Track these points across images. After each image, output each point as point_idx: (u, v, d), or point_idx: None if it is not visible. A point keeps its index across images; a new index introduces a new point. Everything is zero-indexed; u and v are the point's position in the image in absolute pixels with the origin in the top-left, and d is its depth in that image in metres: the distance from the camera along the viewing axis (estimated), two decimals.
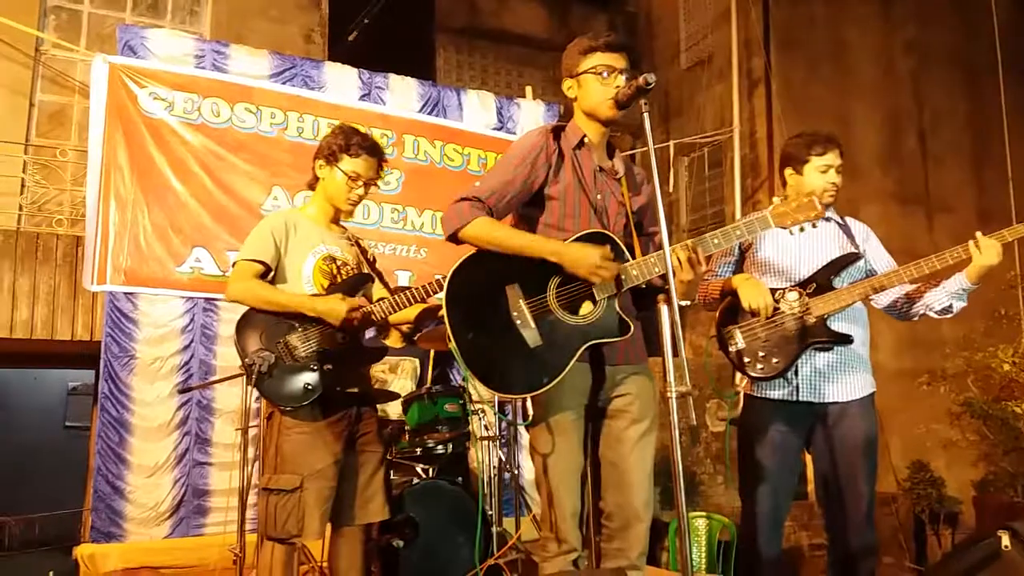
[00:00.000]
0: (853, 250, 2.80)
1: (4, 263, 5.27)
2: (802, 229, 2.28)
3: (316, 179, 2.88)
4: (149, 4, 6.84)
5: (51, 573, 5.37)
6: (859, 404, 2.74)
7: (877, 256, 2.89)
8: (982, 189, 7.62)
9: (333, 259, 2.84)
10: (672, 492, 2.25)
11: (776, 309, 2.71)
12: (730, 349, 2.78)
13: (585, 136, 2.39)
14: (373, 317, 2.71)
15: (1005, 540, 2.08)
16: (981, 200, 7.57)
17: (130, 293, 4.82)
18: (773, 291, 2.74)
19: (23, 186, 5.91)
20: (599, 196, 2.37)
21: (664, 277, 2.27)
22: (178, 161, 4.96)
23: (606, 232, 2.29)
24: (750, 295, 2.69)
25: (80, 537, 5.59)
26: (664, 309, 1.99)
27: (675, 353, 1.99)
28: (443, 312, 2.27)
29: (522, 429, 4.97)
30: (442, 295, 2.71)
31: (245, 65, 5.26)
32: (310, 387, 2.61)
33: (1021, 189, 7.23)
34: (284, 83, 5.34)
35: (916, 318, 2.88)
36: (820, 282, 2.73)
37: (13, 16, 5.87)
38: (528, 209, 2.38)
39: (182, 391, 4.78)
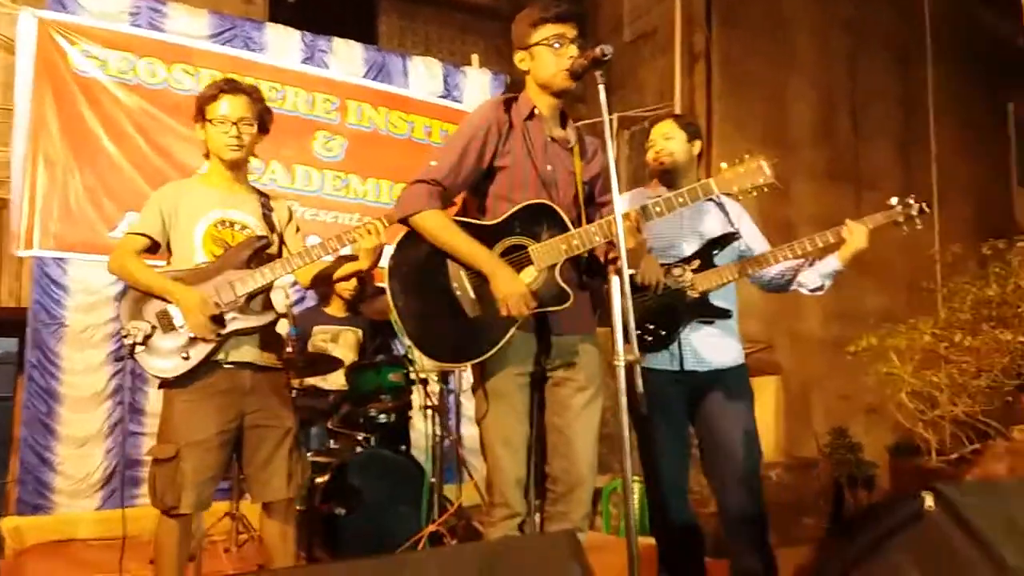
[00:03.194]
0: (731, 229, 2.93)
1: None
2: (752, 193, 2.35)
3: (206, 147, 2.79)
4: None
5: None
6: (735, 371, 2.88)
7: (752, 235, 3.02)
8: (907, 168, 7.90)
9: (230, 223, 2.73)
10: (605, 457, 2.32)
11: (664, 284, 2.81)
12: None
13: (535, 107, 2.41)
14: (256, 283, 2.64)
15: (928, 501, 2.18)
16: (906, 178, 7.84)
17: (60, 259, 4.67)
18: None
19: None
20: (549, 167, 2.40)
21: (609, 246, 2.33)
22: (112, 122, 4.80)
23: (547, 203, 2.33)
24: (646, 269, 2.74)
25: (3, 510, 5.45)
26: (615, 279, 2.04)
27: (624, 322, 2.04)
28: (385, 282, 2.30)
29: (465, 399, 5.02)
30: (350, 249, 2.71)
31: (183, 24, 5.10)
32: (186, 356, 2.55)
33: (943, 169, 7.54)
34: (224, 44, 5.20)
35: (788, 292, 3.06)
36: (704, 259, 2.85)
37: None
38: (479, 180, 2.40)
39: (119, 359, 4.68)
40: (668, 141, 2.95)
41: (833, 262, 2.87)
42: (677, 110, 7.16)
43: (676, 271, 2.83)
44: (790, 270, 2.98)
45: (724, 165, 2.37)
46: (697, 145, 3.00)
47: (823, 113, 7.70)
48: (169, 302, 2.58)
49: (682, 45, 7.32)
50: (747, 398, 2.88)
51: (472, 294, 2.26)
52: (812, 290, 2.96)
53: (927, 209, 2.85)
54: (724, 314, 2.84)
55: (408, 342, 2.30)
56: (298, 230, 2.94)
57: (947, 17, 7.96)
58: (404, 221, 2.33)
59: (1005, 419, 4.97)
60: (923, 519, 2.28)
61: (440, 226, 2.28)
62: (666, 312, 2.81)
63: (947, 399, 4.92)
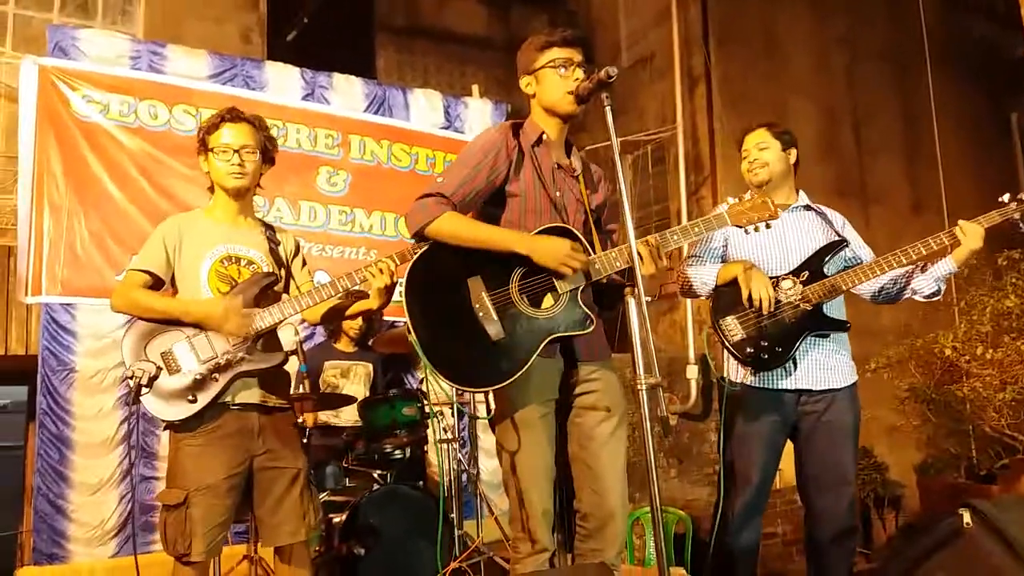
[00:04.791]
0: (836, 238, 2.84)
1: None
2: (756, 229, 2.30)
3: (210, 180, 2.74)
4: (78, 4, 6.58)
5: None
6: (848, 391, 2.80)
7: (857, 244, 2.94)
8: (914, 181, 7.86)
9: (236, 259, 2.66)
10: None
11: (776, 300, 2.71)
12: (731, 339, 2.75)
13: (544, 133, 2.39)
14: (263, 323, 2.56)
15: (967, 518, 2.14)
16: (913, 192, 7.81)
17: (68, 304, 4.63)
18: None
19: None
20: (558, 193, 2.38)
21: (625, 272, 2.29)
22: (115, 166, 4.78)
23: (568, 227, 2.30)
24: (754, 285, 2.66)
25: (18, 561, 5.36)
26: (631, 302, 2.00)
27: (643, 345, 2.00)
28: (403, 305, 2.24)
29: (482, 432, 4.94)
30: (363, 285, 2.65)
31: (183, 66, 5.10)
32: (192, 399, 2.47)
33: (950, 180, 7.49)
34: (224, 83, 5.19)
35: (898, 301, 2.96)
36: (813, 270, 2.74)
37: None
38: (489, 207, 2.38)
39: (129, 403, 4.63)
40: (763, 151, 2.87)
41: (948, 265, 2.77)
42: (680, 133, 7.16)
43: (785, 284, 2.73)
44: (902, 277, 2.88)
45: (731, 200, 2.34)
46: (793, 154, 2.90)
47: (826, 129, 7.68)
48: (183, 336, 2.52)
49: (681, 67, 7.33)
50: (855, 418, 2.80)
51: (495, 316, 2.20)
52: (927, 296, 2.86)
53: None
54: (841, 326, 2.73)
55: (428, 366, 2.22)
56: (304, 264, 2.88)
57: (944, 29, 7.97)
58: (419, 235, 2.27)
59: None
60: (962, 536, 2.23)
61: (461, 225, 2.25)
62: (781, 328, 2.70)
63: (972, 414, 4.81)
